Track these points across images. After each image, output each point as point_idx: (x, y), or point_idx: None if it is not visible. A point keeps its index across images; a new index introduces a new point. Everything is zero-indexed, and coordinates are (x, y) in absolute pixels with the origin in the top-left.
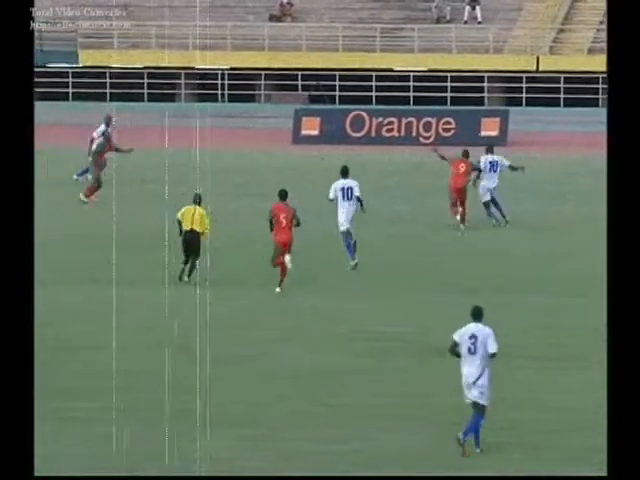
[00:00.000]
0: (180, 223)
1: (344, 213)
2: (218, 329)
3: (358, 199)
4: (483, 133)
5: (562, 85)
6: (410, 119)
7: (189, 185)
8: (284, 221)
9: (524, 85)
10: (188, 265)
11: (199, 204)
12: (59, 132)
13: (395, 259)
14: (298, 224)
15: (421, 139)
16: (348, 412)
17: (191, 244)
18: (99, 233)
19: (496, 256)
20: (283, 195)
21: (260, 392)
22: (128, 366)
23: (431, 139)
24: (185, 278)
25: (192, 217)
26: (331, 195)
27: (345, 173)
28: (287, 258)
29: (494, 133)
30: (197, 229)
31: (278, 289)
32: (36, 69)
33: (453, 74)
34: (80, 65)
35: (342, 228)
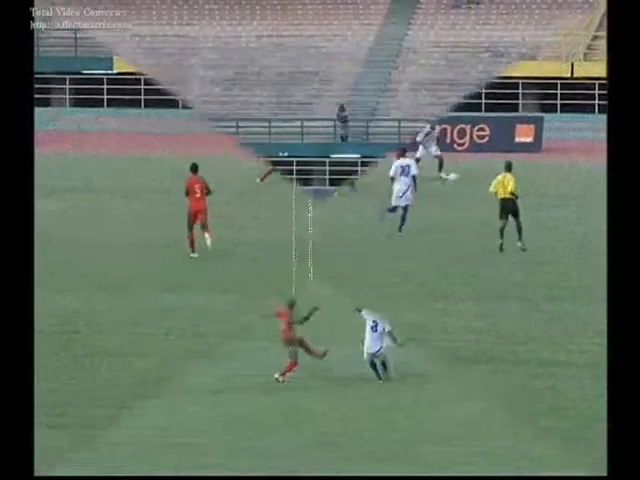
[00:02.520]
0: (496, 194)
1: (399, 187)
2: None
3: (414, 177)
4: (517, 140)
5: (597, 91)
6: (444, 125)
7: (232, 192)
8: (198, 191)
9: (559, 91)
10: (505, 229)
11: (509, 171)
12: (98, 139)
13: (444, 267)
14: (209, 192)
15: (455, 146)
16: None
17: (506, 209)
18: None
19: (544, 266)
20: (195, 168)
21: (304, 400)
22: (163, 372)
23: (465, 146)
24: (500, 240)
25: (502, 185)
26: (391, 173)
27: (402, 153)
28: (208, 240)
29: (529, 140)
30: (507, 196)
31: (194, 255)
32: (71, 76)
33: (487, 80)
34: (115, 72)
35: (394, 203)
